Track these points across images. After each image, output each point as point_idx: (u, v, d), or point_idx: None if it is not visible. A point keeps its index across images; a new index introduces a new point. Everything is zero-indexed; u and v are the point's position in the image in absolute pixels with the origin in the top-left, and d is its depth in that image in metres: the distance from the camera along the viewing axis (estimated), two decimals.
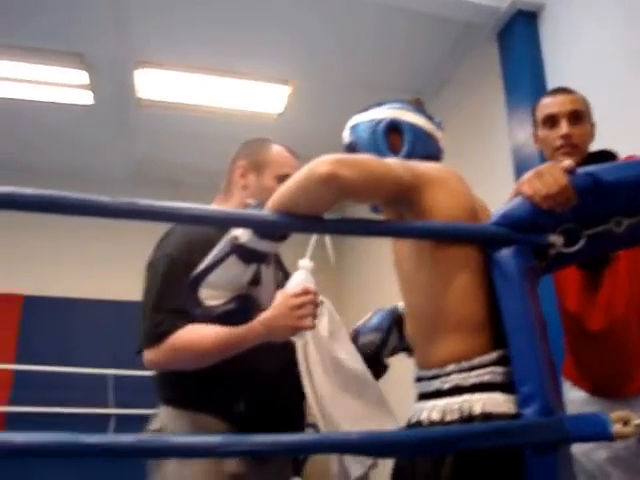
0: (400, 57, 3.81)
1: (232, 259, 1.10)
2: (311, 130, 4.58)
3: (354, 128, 1.48)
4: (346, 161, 1.06)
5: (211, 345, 1.44)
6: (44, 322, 4.91)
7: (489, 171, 3.28)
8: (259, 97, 4.17)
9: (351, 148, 1.48)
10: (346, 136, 1.49)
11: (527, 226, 1.12)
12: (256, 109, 4.31)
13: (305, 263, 1.44)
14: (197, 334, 1.45)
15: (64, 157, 4.96)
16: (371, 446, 0.95)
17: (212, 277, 1.11)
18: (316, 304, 1.44)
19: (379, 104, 1.48)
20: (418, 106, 1.47)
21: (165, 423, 1.53)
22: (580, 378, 1.79)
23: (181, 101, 4.18)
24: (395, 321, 1.57)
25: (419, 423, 1.12)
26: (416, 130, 1.42)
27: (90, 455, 0.85)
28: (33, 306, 4.91)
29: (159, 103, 4.21)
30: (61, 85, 3.99)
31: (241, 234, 1.09)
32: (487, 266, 1.16)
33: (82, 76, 3.86)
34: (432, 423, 1.09)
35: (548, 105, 1.85)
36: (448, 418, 1.08)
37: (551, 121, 1.82)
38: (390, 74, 3.98)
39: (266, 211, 1.08)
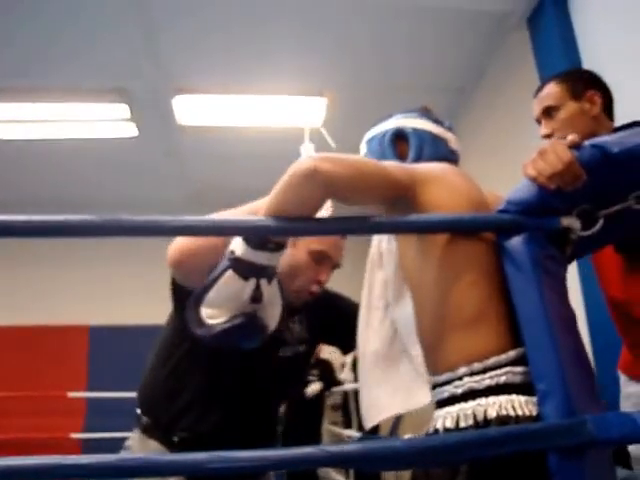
0: (434, 56, 3.72)
1: (229, 275, 1.05)
2: (352, 139, 4.50)
3: (368, 142, 1.47)
4: (329, 157, 1.03)
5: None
6: (111, 350, 5.04)
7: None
8: (297, 111, 4.17)
9: None
10: (362, 150, 1.48)
11: (537, 210, 1.04)
12: (296, 124, 4.30)
13: None
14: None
15: (117, 189, 5.14)
16: (379, 458, 0.88)
17: (211, 295, 1.07)
18: None
19: (388, 116, 1.46)
20: (425, 112, 1.45)
21: (128, 445, 1.55)
22: (635, 369, 1.65)
23: (221, 124, 4.23)
24: None
25: (436, 432, 1.04)
26: (422, 135, 1.38)
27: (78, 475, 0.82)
28: (99, 335, 5.07)
29: (200, 128, 4.26)
30: (105, 120, 4.11)
31: (236, 247, 1.05)
32: (496, 256, 1.08)
33: (123, 110, 3.96)
34: (447, 431, 1.01)
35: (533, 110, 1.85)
36: (462, 424, 1.00)
37: (538, 123, 1.83)
38: (426, 74, 3.89)
39: (255, 217, 1.04)
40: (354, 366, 4.90)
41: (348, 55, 3.68)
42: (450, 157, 1.39)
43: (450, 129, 1.44)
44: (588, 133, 1.72)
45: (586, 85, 1.79)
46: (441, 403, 1.07)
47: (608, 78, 2.64)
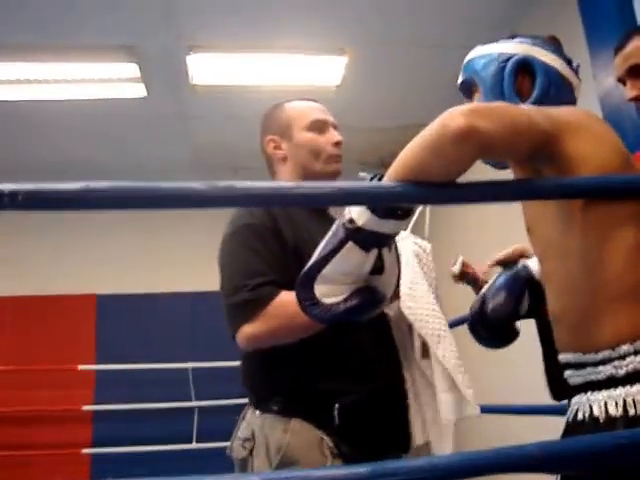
0: (462, 10, 3.53)
1: (349, 247, 0.91)
2: (372, 99, 4.38)
3: (473, 62, 1.29)
4: (483, 111, 0.88)
5: None
6: (119, 320, 4.92)
7: None
8: (315, 70, 3.99)
9: (466, 87, 1.30)
10: (462, 72, 1.31)
11: None
12: (313, 83, 4.13)
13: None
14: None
15: (123, 151, 4.94)
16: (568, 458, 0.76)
17: (327, 271, 0.93)
18: None
19: (510, 37, 1.28)
20: (556, 45, 1.27)
21: (255, 430, 1.41)
22: None
23: (236, 83, 4.04)
24: (526, 282, 1.38)
25: (594, 420, 0.93)
26: (551, 73, 1.21)
27: None
28: (107, 305, 4.93)
29: (214, 87, 4.07)
30: (112, 81, 3.90)
31: (357, 216, 0.90)
32: None
33: (132, 69, 3.76)
34: (611, 419, 0.90)
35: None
36: (632, 412, 0.89)
37: (622, 83, 1.70)
38: (453, 31, 3.70)
39: (389, 182, 0.89)
40: None
41: (370, 11, 3.49)
42: (573, 104, 1.23)
43: (577, 72, 1.28)
44: None
45: None
46: (593, 385, 0.96)
47: None
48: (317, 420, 1.36)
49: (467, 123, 0.84)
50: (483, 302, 1.36)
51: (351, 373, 1.40)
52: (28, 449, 4.44)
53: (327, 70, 3.98)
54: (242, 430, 1.45)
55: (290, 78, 4.03)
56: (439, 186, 0.87)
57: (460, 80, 1.31)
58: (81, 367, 4.63)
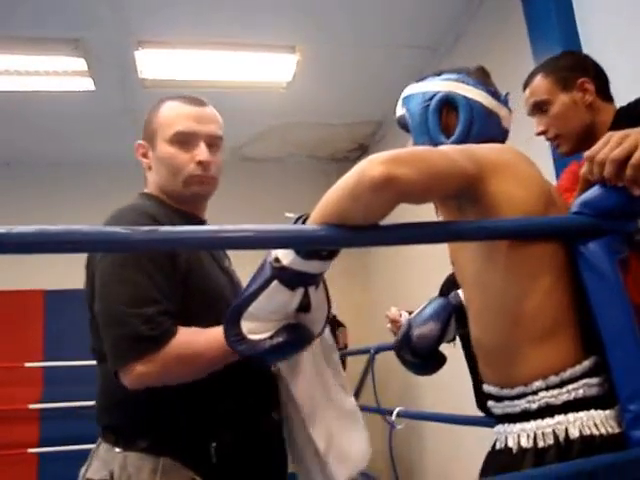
0: (411, 11, 3.54)
1: (274, 285, 0.92)
2: (322, 96, 4.40)
3: (407, 100, 1.29)
4: (401, 158, 0.88)
5: (212, 349, 1.17)
6: (68, 316, 4.83)
7: (517, 127, 3.07)
8: (266, 67, 3.97)
9: (402, 123, 1.31)
10: (399, 109, 1.32)
11: (617, 214, 0.96)
12: (264, 79, 4.11)
13: None
14: (196, 336, 1.20)
15: (73, 145, 4.86)
16: None
17: (253, 308, 0.94)
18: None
19: (436, 74, 1.29)
20: (481, 78, 1.27)
21: (114, 470, 1.22)
22: None
23: (186, 78, 3.98)
24: (454, 310, 1.43)
25: (508, 450, 0.98)
26: (474, 107, 1.22)
27: None
28: (55, 301, 4.84)
29: (164, 82, 4.00)
30: (59, 74, 3.81)
31: (282, 255, 0.91)
32: (572, 260, 1.00)
33: (79, 63, 3.68)
34: (523, 450, 0.95)
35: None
36: (541, 444, 0.93)
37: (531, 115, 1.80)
38: (402, 30, 3.72)
39: (311, 226, 0.90)
40: None
41: (321, 9, 3.48)
42: (501, 138, 1.25)
43: (505, 103, 1.28)
44: (585, 124, 1.67)
45: (574, 73, 1.71)
46: (510, 418, 1.00)
47: (605, 39, 2.59)
48: (190, 459, 1.23)
49: (385, 171, 0.85)
50: (409, 328, 1.40)
51: (229, 413, 1.28)
52: None
53: (278, 67, 3.97)
54: (95, 470, 1.27)
55: (241, 74, 4.01)
56: (360, 229, 0.88)
57: (397, 116, 1.33)
58: (28, 364, 4.54)
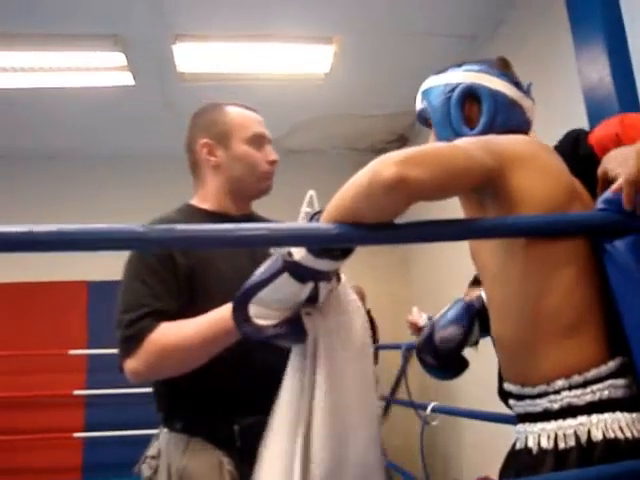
0: (449, 1, 3.50)
1: (285, 277, 0.94)
2: (361, 87, 4.37)
3: (427, 93, 1.27)
4: (414, 159, 0.87)
5: (197, 337, 1.25)
6: (110, 306, 4.95)
7: (559, 120, 2.99)
8: (304, 58, 3.96)
9: (422, 116, 1.30)
10: (418, 102, 1.30)
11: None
12: (302, 71, 4.10)
13: None
14: (178, 328, 1.28)
15: (114, 140, 4.95)
16: None
17: (263, 295, 0.96)
18: None
19: (457, 65, 1.26)
20: (503, 69, 1.24)
21: (161, 448, 1.39)
22: None
23: (224, 71, 4.01)
24: (477, 313, 1.40)
25: (528, 451, 0.96)
26: (497, 98, 1.19)
27: None
28: (98, 291, 4.96)
29: (202, 76, 4.05)
30: (100, 69, 3.89)
31: (295, 250, 0.93)
32: (595, 257, 0.97)
33: (119, 58, 3.74)
34: (543, 451, 0.93)
35: None
36: (562, 446, 0.91)
37: None
38: (440, 19, 3.67)
39: (325, 224, 0.90)
40: None
41: (357, 1, 3.46)
42: (525, 128, 1.22)
43: (528, 93, 1.25)
44: None
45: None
46: (531, 417, 0.98)
47: None
48: (218, 441, 1.34)
49: (398, 173, 0.83)
50: (432, 331, 1.38)
51: (251, 394, 1.34)
52: (21, 434, 4.50)
53: (315, 58, 3.96)
54: (151, 448, 1.43)
55: (278, 66, 4.01)
56: (375, 228, 0.87)
57: (417, 109, 1.31)
58: (72, 352, 4.67)
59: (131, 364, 1.28)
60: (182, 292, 1.35)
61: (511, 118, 1.20)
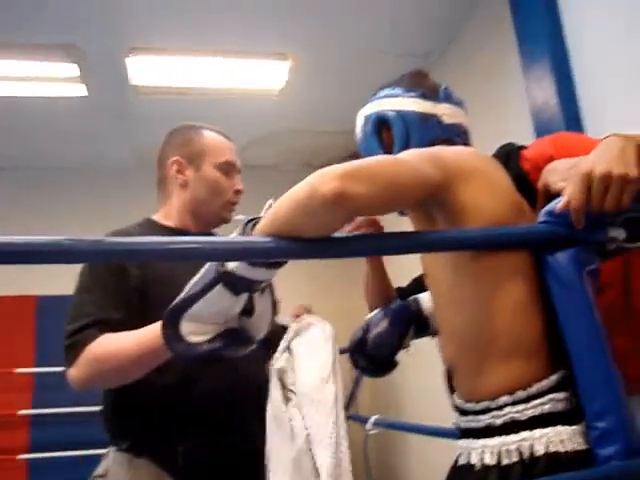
0: (403, 18, 3.52)
1: (218, 289, 0.90)
2: (315, 103, 4.38)
3: (357, 125, 1.31)
4: (356, 173, 0.85)
5: (136, 348, 1.24)
6: (60, 322, 4.80)
7: (509, 137, 3.04)
8: (259, 74, 3.95)
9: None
10: (357, 127, 1.32)
11: (586, 223, 0.93)
12: (257, 86, 4.10)
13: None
14: (119, 340, 1.28)
15: (65, 151, 4.83)
16: None
17: (195, 309, 0.92)
18: None
19: (374, 93, 1.29)
20: (412, 83, 1.25)
21: (109, 468, 1.39)
22: None
23: (178, 85, 3.98)
24: (412, 318, 1.40)
25: (470, 467, 0.95)
26: (406, 118, 1.20)
27: None
28: (47, 307, 4.81)
29: (156, 89, 4.00)
30: (52, 80, 3.81)
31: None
32: (538, 272, 0.98)
33: (72, 69, 3.67)
34: (486, 467, 0.92)
35: None
36: (505, 461, 0.90)
37: None
38: (393, 37, 3.71)
39: (262, 238, 0.87)
40: None
41: (314, 17, 3.47)
42: (445, 135, 1.21)
43: (447, 99, 1.25)
44: None
45: None
46: (474, 433, 0.98)
47: (592, 52, 2.58)
48: (161, 461, 1.34)
49: (338, 188, 0.81)
50: (366, 332, 1.37)
51: (195, 415, 1.36)
52: None
53: (271, 74, 3.96)
54: (99, 468, 1.42)
55: (233, 81, 3.99)
56: (313, 242, 0.85)
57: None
58: (18, 370, 4.51)
59: (72, 373, 1.30)
60: (131, 303, 1.35)
61: (426, 132, 1.20)
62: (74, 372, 1.29)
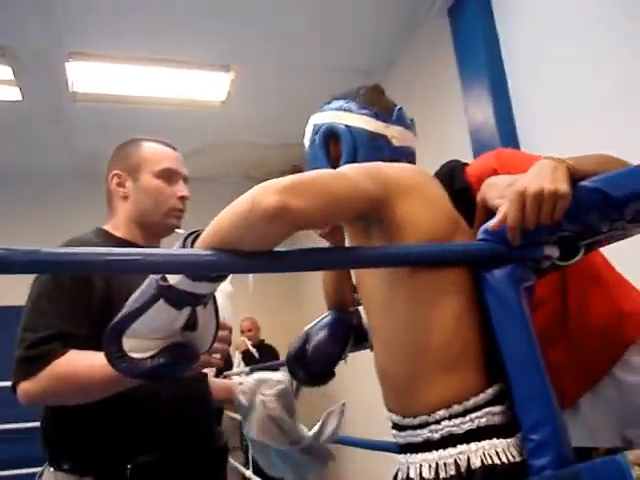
0: (346, 35, 3.61)
1: (160, 304, 0.88)
2: (256, 116, 4.38)
3: (307, 131, 1.30)
4: (297, 187, 0.84)
5: (106, 370, 1.13)
6: (7, 334, 4.57)
7: (449, 155, 3.11)
8: (200, 85, 3.94)
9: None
10: (306, 135, 1.32)
11: (522, 241, 0.96)
12: (198, 97, 4.07)
13: (224, 288, 1.24)
14: (84, 360, 1.22)
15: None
16: None
17: (137, 325, 0.89)
18: (229, 341, 1.28)
19: (327, 102, 1.28)
20: (370, 99, 1.25)
21: None
22: None
23: (118, 93, 3.91)
24: (351, 328, 1.40)
25: None
26: (356, 134, 1.20)
27: None
28: None
29: (95, 96, 3.93)
30: None
31: (169, 274, 0.87)
32: (475, 287, 1.00)
33: (5, 71, 3.55)
34: None
35: None
36: (443, 475, 0.91)
37: None
38: (336, 53, 3.78)
39: (202, 251, 0.85)
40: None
41: (257, 29, 3.49)
42: (393, 156, 1.20)
43: (399, 120, 1.25)
44: None
45: None
46: (412, 447, 0.98)
47: (529, 71, 2.68)
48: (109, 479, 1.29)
49: (279, 202, 0.81)
50: (306, 341, 1.36)
51: (145, 433, 1.33)
52: None
53: (212, 85, 3.94)
54: None
55: (174, 91, 3.96)
56: (252, 256, 0.84)
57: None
58: None
59: (27, 386, 1.23)
60: (94, 316, 1.29)
61: (373, 152, 1.20)
62: (28, 385, 1.23)
